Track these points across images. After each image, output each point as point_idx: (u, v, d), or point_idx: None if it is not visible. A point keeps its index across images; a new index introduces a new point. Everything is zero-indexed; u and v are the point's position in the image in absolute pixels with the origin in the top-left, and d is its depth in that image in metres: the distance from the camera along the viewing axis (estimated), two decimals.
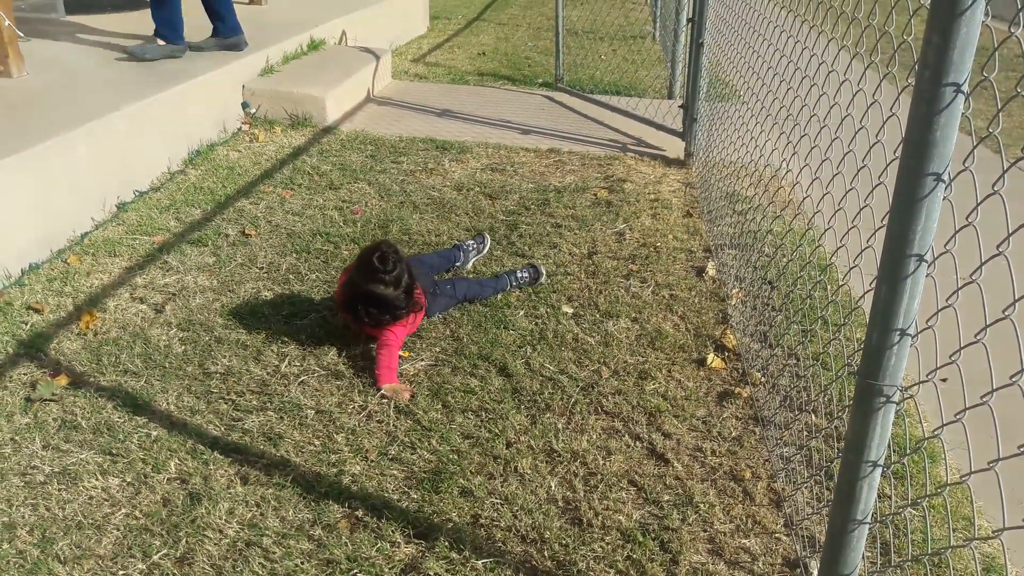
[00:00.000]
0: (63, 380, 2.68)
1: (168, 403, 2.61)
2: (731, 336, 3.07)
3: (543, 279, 3.40)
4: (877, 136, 1.81)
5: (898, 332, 1.45)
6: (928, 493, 1.68)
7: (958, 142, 1.32)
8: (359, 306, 2.78)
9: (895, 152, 1.43)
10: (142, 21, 5.47)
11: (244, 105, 5.12)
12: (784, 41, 2.83)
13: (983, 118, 5.79)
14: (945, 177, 1.33)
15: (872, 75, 1.80)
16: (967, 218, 1.39)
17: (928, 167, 1.32)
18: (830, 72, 2.26)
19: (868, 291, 1.52)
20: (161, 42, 4.82)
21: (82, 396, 2.61)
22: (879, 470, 1.59)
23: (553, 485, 2.34)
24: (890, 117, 1.73)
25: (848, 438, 1.60)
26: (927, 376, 1.55)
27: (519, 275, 3.36)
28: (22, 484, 2.28)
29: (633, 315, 3.20)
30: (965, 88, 1.27)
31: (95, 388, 2.66)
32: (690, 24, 4.65)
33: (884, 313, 1.45)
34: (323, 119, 5.19)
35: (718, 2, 4.49)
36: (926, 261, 1.40)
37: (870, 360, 1.50)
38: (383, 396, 2.67)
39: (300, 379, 2.75)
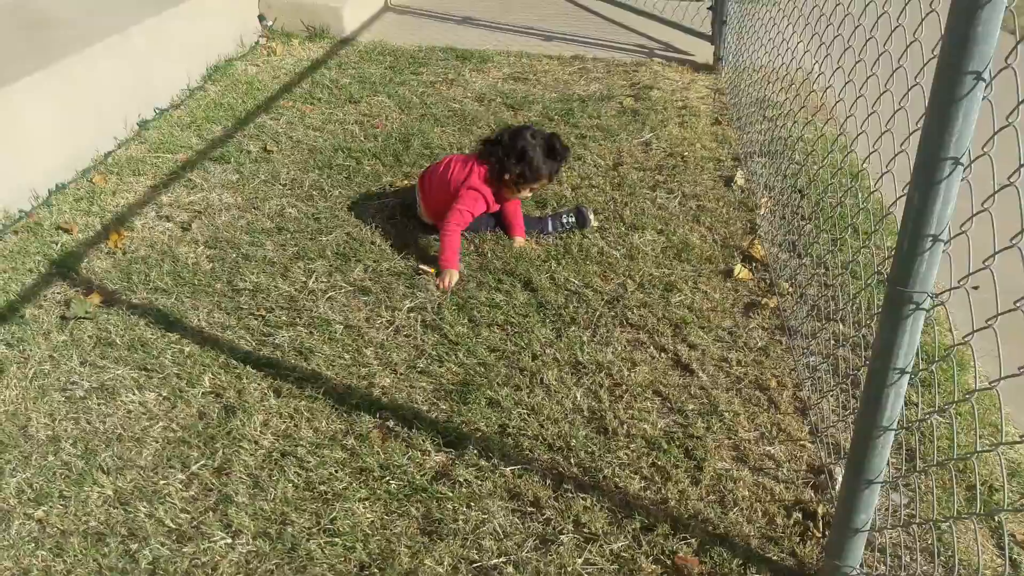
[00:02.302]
0: (96, 298, 2.73)
1: (199, 319, 2.65)
2: (759, 246, 3.03)
3: (592, 223, 3.13)
4: (914, 34, 1.73)
5: (930, 238, 1.41)
6: (956, 399, 1.67)
7: (999, 41, 1.26)
8: (499, 140, 2.97)
9: (933, 51, 1.37)
10: None
11: (261, 18, 5.01)
12: None
13: None
14: (986, 76, 1.27)
15: None
16: (1007, 118, 1.34)
17: (968, 65, 1.26)
18: None
19: (900, 196, 1.47)
20: None
21: (115, 314, 2.67)
22: (906, 377, 1.59)
23: (578, 395, 2.37)
24: (930, 13, 1.65)
25: (876, 345, 1.59)
26: (959, 282, 1.52)
27: (564, 220, 3.12)
28: (63, 399, 2.35)
29: (659, 227, 3.16)
30: None
31: (127, 306, 2.71)
32: None
33: (916, 219, 1.41)
34: (341, 30, 5.07)
35: None
36: (962, 164, 1.35)
37: (900, 266, 1.47)
38: (442, 273, 2.83)
39: (328, 295, 2.77)
